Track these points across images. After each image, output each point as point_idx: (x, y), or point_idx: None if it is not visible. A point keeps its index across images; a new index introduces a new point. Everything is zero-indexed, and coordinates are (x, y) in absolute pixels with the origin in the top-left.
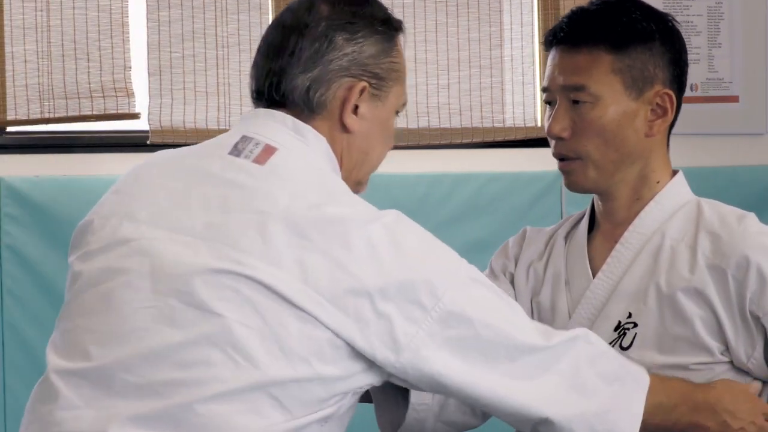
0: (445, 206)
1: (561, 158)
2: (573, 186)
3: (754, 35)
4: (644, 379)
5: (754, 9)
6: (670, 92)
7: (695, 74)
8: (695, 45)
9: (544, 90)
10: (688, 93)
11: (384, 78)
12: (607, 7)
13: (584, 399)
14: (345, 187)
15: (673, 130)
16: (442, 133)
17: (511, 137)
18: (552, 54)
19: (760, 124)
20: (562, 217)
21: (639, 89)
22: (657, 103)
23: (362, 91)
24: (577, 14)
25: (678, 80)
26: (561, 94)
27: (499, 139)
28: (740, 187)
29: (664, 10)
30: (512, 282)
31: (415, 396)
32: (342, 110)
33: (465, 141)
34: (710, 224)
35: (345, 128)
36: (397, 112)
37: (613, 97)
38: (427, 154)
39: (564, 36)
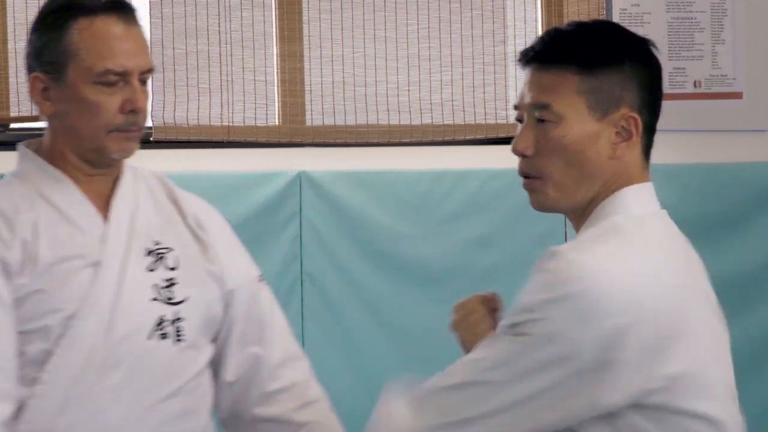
0: (447, 203)
1: (524, 176)
2: (536, 205)
3: (758, 31)
4: None
5: (757, 5)
6: (637, 116)
7: (698, 70)
8: (698, 41)
9: (515, 108)
10: (691, 89)
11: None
12: (581, 29)
13: None
14: None
15: (677, 127)
16: (444, 129)
17: (514, 134)
18: (525, 73)
19: (763, 120)
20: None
21: (603, 111)
22: (622, 126)
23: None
24: (550, 34)
25: (649, 105)
26: (528, 112)
27: (502, 135)
28: (743, 183)
29: (666, 7)
30: None
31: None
32: None
33: (467, 137)
34: None
35: None
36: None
37: (576, 118)
38: (430, 150)
39: (534, 55)
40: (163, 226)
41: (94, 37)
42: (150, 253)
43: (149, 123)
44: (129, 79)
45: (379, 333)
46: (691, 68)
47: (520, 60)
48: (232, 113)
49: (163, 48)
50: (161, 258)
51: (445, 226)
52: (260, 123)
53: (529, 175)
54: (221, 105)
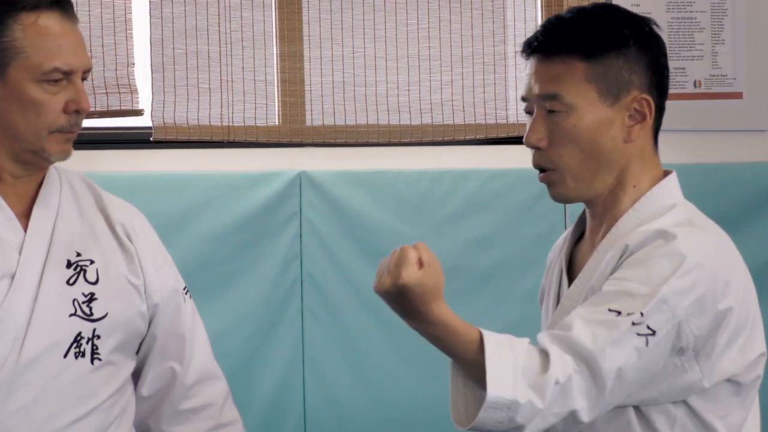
0: (447, 203)
1: (539, 169)
2: (557, 197)
3: (758, 31)
4: None
5: (757, 5)
6: (648, 97)
7: (698, 70)
8: (698, 41)
9: (523, 99)
10: (691, 89)
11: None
12: (582, 15)
13: None
14: None
15: (677, 127)
16: (444, 129)
17: (514, 134)
18: (529, 63)
19: (763, 120)
20: (564, 214)
21: (615, 96)
22: (635, 109)
23: None
24: (551, 23)
25: (658, 85)
26: (537, 103)
27: (502, 135)
28: (743, 183)
29: (666, 7)
30: None
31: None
32: None
33: (468, 137)
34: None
35: None
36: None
37: (587, 106)
38: (430, 150)
39: (538, 45)
40: (86, 235)
41: (41, 34)
42: (70, 265)
43: (149, 123)
44: (73, 78)
45: (379, 333)
46: (691, 68)
47: (523, 51)
48: (232, 113)
49: (163, 48)
50: (82, 271)
51: (445, 226)
52: (260, 123)
53: (544, 167)
54: (221, 105)
